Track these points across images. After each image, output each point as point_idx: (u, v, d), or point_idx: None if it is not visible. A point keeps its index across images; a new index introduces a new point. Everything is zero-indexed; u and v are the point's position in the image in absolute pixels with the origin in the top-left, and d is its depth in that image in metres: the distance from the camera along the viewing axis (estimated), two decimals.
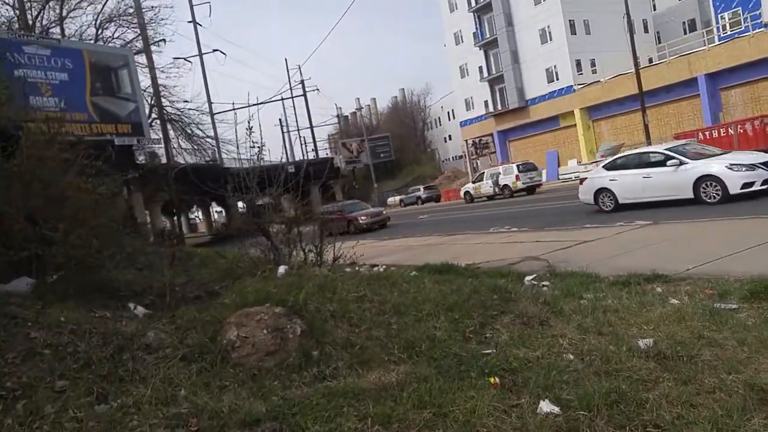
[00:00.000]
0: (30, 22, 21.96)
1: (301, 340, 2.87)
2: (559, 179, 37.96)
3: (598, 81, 38.43)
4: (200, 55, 54.35)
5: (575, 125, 40.68)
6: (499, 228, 13.43)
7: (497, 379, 2.63)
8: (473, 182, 33.73)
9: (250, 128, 6.21)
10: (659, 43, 42.31)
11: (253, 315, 2.90)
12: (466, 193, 33.35)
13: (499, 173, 30.70)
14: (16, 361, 2.46)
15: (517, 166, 30.40)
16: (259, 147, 6.86)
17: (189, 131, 32.70)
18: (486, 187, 30.99)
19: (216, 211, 78.44)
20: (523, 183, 28.76)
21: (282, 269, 4.26)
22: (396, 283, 4.33)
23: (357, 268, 9.36)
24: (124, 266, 4.89)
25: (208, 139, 33.76)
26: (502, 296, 4.22)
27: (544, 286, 5.88)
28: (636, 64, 30.49)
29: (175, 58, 58.65)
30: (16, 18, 23.84)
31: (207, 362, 2.65)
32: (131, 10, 26.67)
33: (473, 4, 48.72)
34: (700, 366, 2.83)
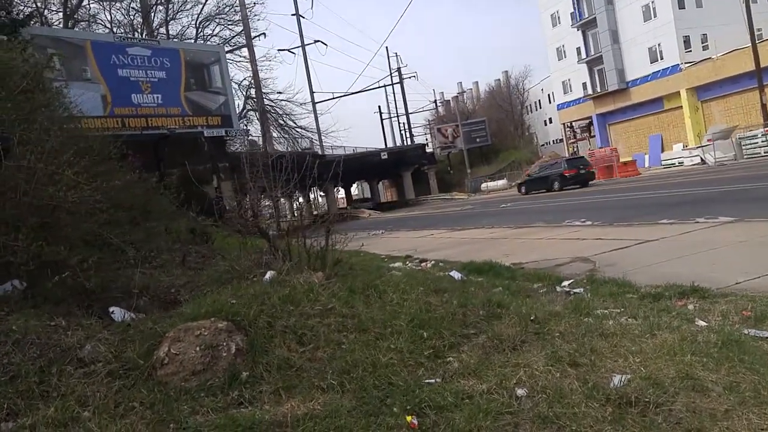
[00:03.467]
0: (138, 26, 23.93)
1: (234, 359, 2.85)
2: (661, 165, 35.12)
3: (710, 58, 34.92)
4: (303, 46, 56.17)
5: (681, 107, 37.36)
6: (574, 221, 12.75)
7: (415, 420, 2.44)
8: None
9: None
10: None
11: (193, 329, 2.92)
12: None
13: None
14: None
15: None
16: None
17: (282, 122, 34.01)
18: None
19: (320, 196, 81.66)
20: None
21: (269, 275, 4.25)
22: (385, 293, 4.18)
23: (407, 264, 9.42)
24: (148, 264, 5.16)
25: (298, 129, 34.94)
26: (490, 311, 3.93)
27: (575, 293, 5.50)
28: (753, 36, 27.40)
29: (279, 50, 61.17)
30: (140, 22, 26.17)
31: (131, 380, 2.70)
32: (227, 9, 28.17)
33: None
34: (661, 418, 2.46)
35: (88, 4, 24.20)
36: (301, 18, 48.89)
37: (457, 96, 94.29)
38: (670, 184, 20.22)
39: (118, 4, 24.58)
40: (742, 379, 2.76)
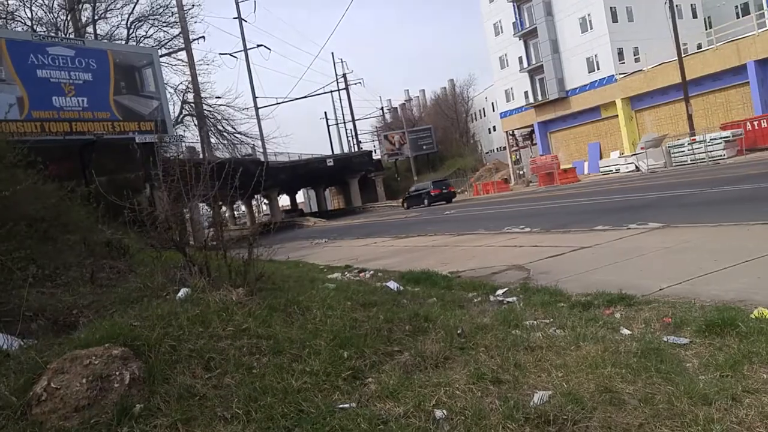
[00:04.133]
0: (61, 25, 22.65)
1: (128, 389, 2.57)
2: (600, 172, 36.43)
3: (641, 70, 36.62)
4: (245, 50, 55.11)
5: (617, 116, 38.96)
6: (513, 228, 12.92)
7: None
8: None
9: None
10: (710, 28, 39.88)
11: (82, 358, 2.62)
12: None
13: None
14: None
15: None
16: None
17: (221, 127, 33.12)
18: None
19: (264, 204, 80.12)
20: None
21: (183, 292, 3.96)
22: (309, 309, 3.97)
23: (345, 274, 9.24)
24: (51, 282, 4.75)
25: (237, 135, 34.15)
26: (417, 326, 3.79)
27: (508, 302, 5.47)
28: (679, 51, 28.88)
29: (221, 54, 59.92)
30: (64, 20, 24.76)
31: (2, 419, 2.38)
32: (161, 10, 27.21)
33: None
34: None
35: (5, 1, 22.74)
36: (243, 22, 48.05)
37: (404, 103, 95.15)
38: (606, 191, 20.91)
39: (40, 0, 23.21)
40: (658, 390, 2.72)
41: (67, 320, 3.72)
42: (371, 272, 8.97)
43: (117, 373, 2.60)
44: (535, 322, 4.29)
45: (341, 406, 2.69)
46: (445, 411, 2.66)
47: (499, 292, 6.00)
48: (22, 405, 2.43)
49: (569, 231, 10.51)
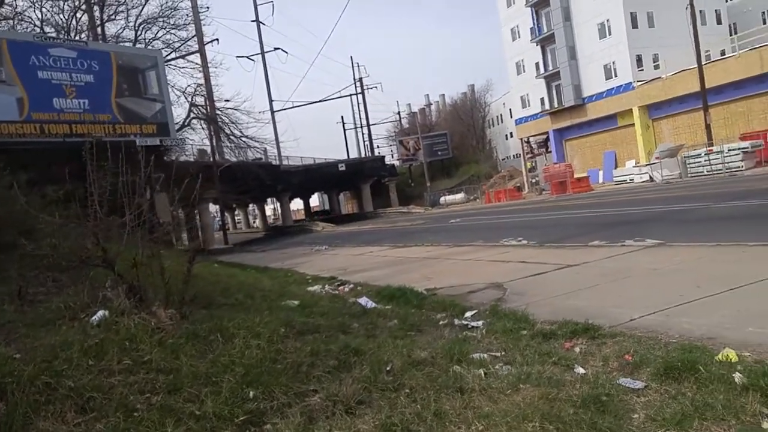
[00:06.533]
0: (68, 26, 22.77)
1: None
2: (613, 181, 35.65)
3: (659, 77, 35.73)
4: (262, 53, 55.41)
5: (634, 124, 38.12)
6: (510, 239, 12.54)
7: None
8: None
9: None
10: (734, 34, 38.85)
11: None
12: None
13: None
14: None
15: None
16: None
17: (228, 131, 33.09)
18: None
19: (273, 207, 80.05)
20: None
21: (98, 315, 3.68)
22: (234, 337, 3.67)
23: (325, 287, 8.96)
24: None
25: (244, 138, 34.09)
26: (343, 360, 3.45)
27: (473, 328, 5.13)
28: (698, 58, 28.07)
29: (238, 57, 60.17)
30: (66, 21, 24.94)
31: None
32: (170, 12, 27.31)
33: None
34: None
35: (14, 2, 22.87)
36: (261, 25, 48.20)
37: (424, 108, 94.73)
38: (614, 202, 20.33)
39: (50, 2, 23.28)
40: None
41: None
42: (351, 285, 8.74)
43: None
44: (484, 355, 3.93)
45: None
46: None
47: (468, 314, 5.69)
48: None
49: (563, 246, 10.09)
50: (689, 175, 28.20)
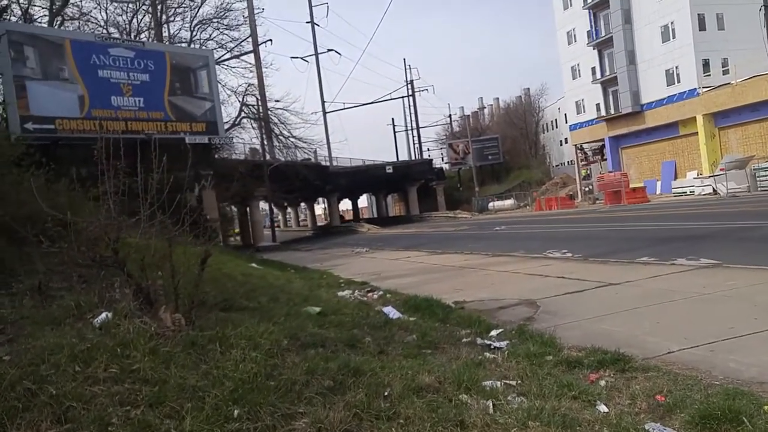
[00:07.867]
0: (129, 27, 23.64)
1: None
2: (672, 193, 33.97)
3: (729, 83, 33.72)
4: (316, 54, 56.11)
5: (697, 133, 36.15)
6: (554, 251, 12.07)
7: None
8: None
9: None
10: None
11: None
12: None
13: None
14: None
15: None
16: None
17: (277, 131, 33.60)
18: None
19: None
20: None
21: (101, 318, 3.62)
22: (233, 347, 3.52)
23: (355, 293, 8.80)
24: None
25: (292, 139, 34.49)
26: (339, 381, 3.24)
27: (495, 349, 4.82)
28: None
29: (292, 58, 61.22)
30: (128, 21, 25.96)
31: None
32: (223, 13, 27.98)
33: (589, 0, 45.27)
34: None
35: (80, 2, 23.88)
36: (315, 26, 48.82)
37: (477, 111, 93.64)
38: (671, 215, 19.28)
39: (114, 3, 24.22)
40: None
41: None
42: (381, 292, 8.55)
43: None
44: (497, 383, 3.61)
45: None
46: None
47: (493, 333, 5.37)
48: None
49: (608, 261, 9.53)
50: (759, 188, 26.47)
